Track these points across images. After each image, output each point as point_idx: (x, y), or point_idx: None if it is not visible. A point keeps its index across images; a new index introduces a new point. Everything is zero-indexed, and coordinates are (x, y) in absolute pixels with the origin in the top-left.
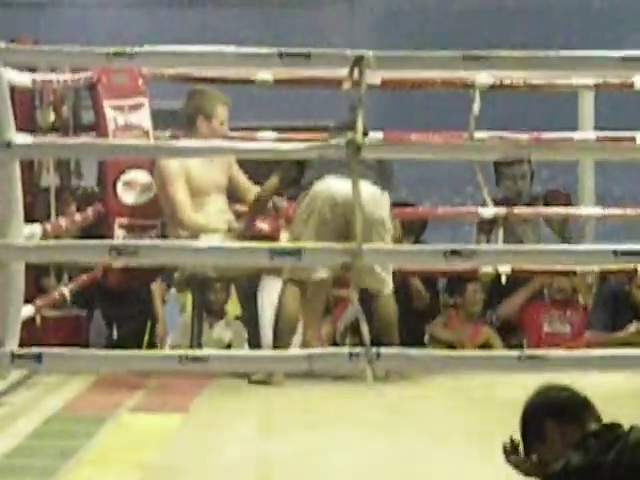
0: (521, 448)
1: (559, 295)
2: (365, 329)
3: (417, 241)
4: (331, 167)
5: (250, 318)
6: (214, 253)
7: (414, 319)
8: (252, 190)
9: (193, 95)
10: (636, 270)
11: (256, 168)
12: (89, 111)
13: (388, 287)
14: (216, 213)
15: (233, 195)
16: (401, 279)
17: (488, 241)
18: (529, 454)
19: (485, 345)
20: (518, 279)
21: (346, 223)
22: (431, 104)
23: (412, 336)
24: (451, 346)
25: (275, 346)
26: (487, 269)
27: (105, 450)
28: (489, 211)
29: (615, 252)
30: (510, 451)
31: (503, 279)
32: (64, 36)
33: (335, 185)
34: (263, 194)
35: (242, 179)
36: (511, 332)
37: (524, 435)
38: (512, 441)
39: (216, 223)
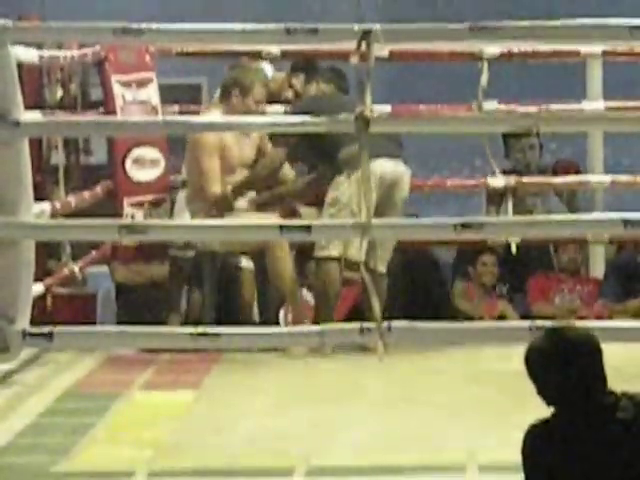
0: None
1: (568, 265)
2: (376, 304)
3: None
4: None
5: (262, 292)
6: (223, 230)
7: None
8: None
9: (235, 67)
10: None
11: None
12: (97, 88)
13: (382, 266)
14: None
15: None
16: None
17: (498, 213)
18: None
19: (501, 318)
20: (529, 251)
21: (382, 203)
22: (439, 76)
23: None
24: (470, 318)
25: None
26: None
27: (117, 428)
28: (499, 181)
29: (625, 222)
30: None
31: (513, 248)
32: (70, 12)
33: (384, 165)
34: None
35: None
36: (521, 305)
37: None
38: None
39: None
